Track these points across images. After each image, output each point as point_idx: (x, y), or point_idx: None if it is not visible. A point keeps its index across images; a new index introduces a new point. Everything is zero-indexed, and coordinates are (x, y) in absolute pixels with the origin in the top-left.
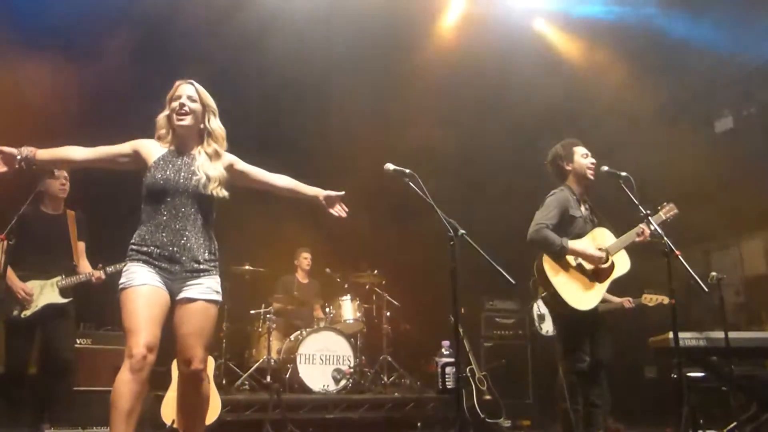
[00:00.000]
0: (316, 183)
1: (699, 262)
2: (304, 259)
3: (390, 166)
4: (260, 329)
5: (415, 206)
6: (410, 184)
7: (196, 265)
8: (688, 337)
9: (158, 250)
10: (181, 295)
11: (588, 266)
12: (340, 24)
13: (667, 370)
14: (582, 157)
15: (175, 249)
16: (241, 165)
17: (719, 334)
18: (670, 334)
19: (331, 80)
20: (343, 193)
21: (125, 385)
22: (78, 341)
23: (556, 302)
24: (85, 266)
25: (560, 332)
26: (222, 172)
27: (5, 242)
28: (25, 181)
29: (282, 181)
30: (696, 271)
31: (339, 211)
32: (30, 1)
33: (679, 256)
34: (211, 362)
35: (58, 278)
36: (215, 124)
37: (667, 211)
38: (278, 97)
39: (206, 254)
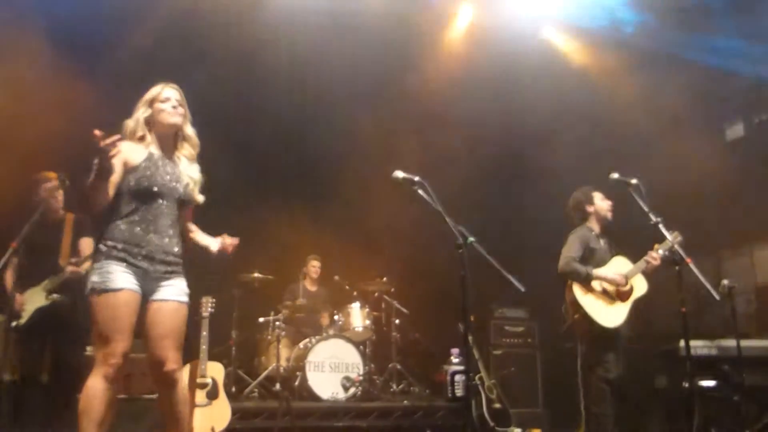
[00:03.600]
0: (325, 191)
1: (710, 270)
2: (313, 267)
3: (399, 174)
4: (269, 337)
5: (424, 213)
6: (419, 191)
7: (170, 267)
8: (699, 346)
9: (138, 249)
10: (155, 296)
11: (611, 289)
12: (346, 35)
13: (678, 380)
14: (601, 200)
15: (155, 248)
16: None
17: (731, 343)
18: (682, 343)
19: (338, 91)
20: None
21: (100, 394)
22: (88, 350)
23: (586, 321)
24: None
25: (589, 347)
26: (200, 176)
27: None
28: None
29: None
30: (707, 279)
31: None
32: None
33: (690, 264)
34: (221, 370)
35: (47, 282)
36: (191, 130)
37: (674, 237)
38: (284, 110)
39: (178, 255)
